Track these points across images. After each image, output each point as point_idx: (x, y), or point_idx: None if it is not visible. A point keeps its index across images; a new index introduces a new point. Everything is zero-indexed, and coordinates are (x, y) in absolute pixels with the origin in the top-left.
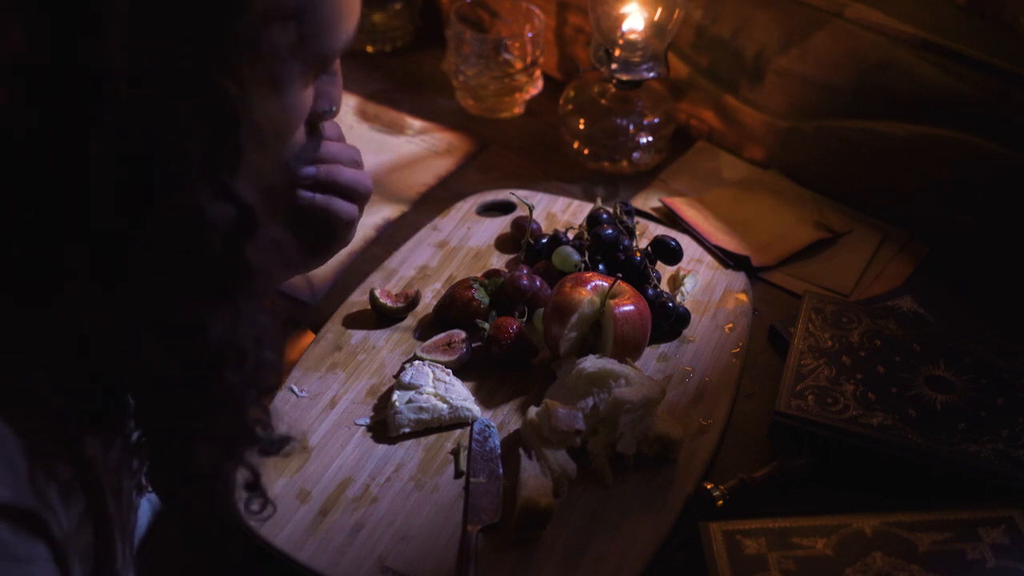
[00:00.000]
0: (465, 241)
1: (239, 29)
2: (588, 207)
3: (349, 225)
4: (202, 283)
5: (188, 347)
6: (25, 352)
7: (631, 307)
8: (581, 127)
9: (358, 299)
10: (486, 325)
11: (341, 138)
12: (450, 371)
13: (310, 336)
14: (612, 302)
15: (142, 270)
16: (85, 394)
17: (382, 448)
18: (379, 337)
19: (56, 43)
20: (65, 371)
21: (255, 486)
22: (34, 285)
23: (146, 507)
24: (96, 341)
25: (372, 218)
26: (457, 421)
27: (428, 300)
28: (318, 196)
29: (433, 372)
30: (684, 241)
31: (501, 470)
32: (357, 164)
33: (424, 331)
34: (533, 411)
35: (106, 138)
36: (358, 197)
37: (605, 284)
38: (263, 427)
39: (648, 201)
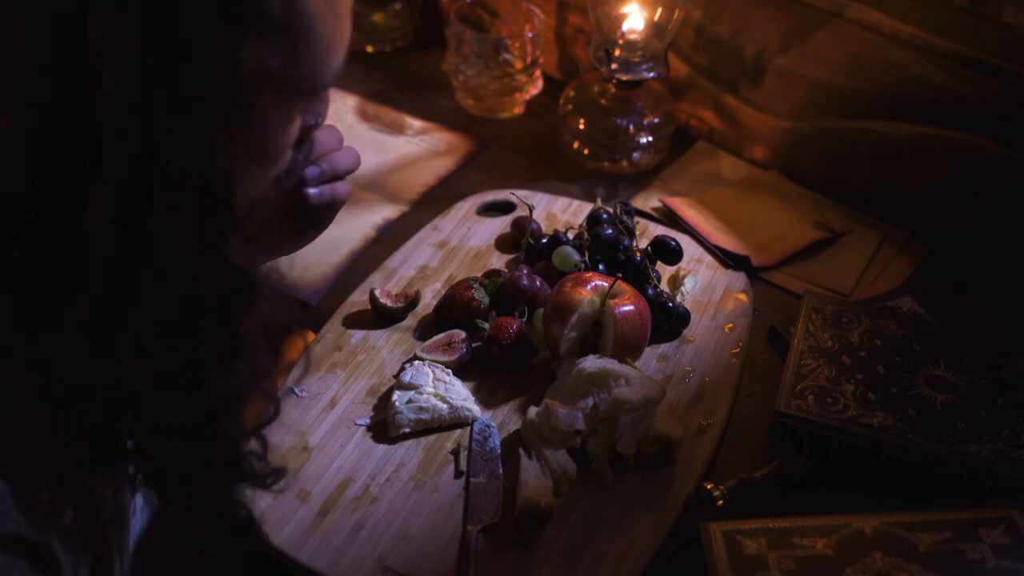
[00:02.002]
0: (465, 241)
1: (232, 99)
2: (588, 207)
3: (343, 203)
4: (200, 349)
5: (186, 408)
6: (30, 396)
7: (631, 307)
8: (581, 127)
9: (358, 299)
10: (486, 325)
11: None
12: (450, 371)
13: (310, 336)
14: (612, 302)
15: (138, 337)
16: (90, 435)
17: (382, 448)
18: (379, 337)
19: (52, 114)
20: (71, 416)
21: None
22: (30, 344)
23: (140, 503)
24: (96, 397)
25: (372, 218)
26: (457, 421)
27: (428, 300)
28: (324, 189)
29: (433, 372)
30: (684, 241)
31: (501, 470)
32: (341, 142)
33: (424, 331)
34: (533, 411)
35: (104, 212)
36: (351, 173)
37: (605, 284)
38: (258, 459)
39: (648, 201)
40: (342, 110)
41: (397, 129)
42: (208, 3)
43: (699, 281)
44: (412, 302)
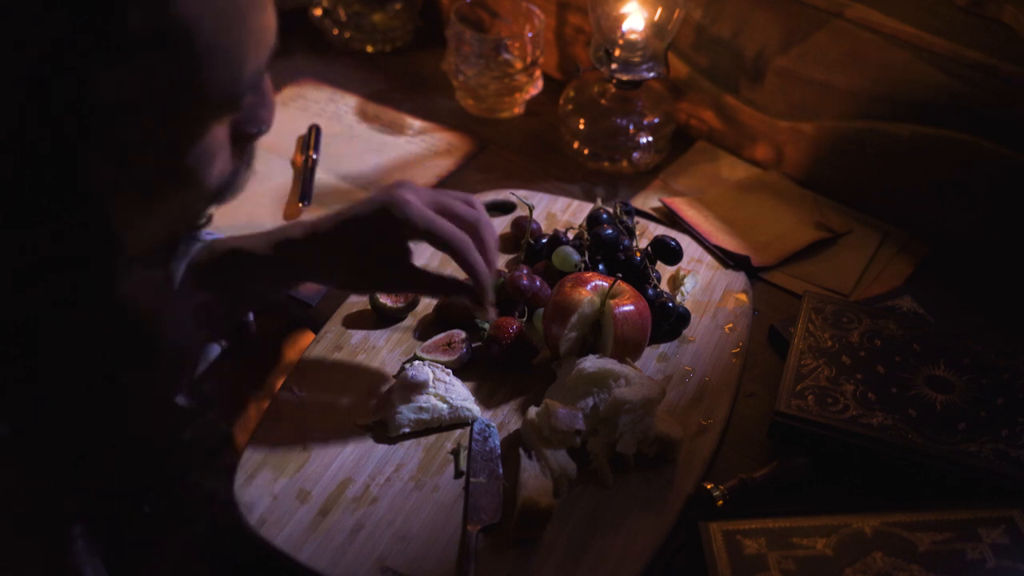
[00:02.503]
0: None
1: (106, 122)
2: (588, 207)
3: None
4: (117, 354)
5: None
6: None
7: (631, 307)
8: (581, 127)
9: (358, 299)
10: (486, 325)
11: None
12: (450, 371)
13: (310, 336)
14: (612, 302)
15: (53, 355)
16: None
17: (382, 448)
18: (379, 337)
19: None
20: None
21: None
22: None
23: None
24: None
25: None
26: (457, 421)
27: (428, 300)
28: None
29: (433, 372)
30: (684, 241)
31: (501, 470)
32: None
33: (424, 331)
34: (533, 411)
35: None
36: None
37: (605, 284)
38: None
39: (648, 201)
40: (342, 110)
41: (397, 129)
42: (58, 27)
43: (699, 281)
44: (412, 302)
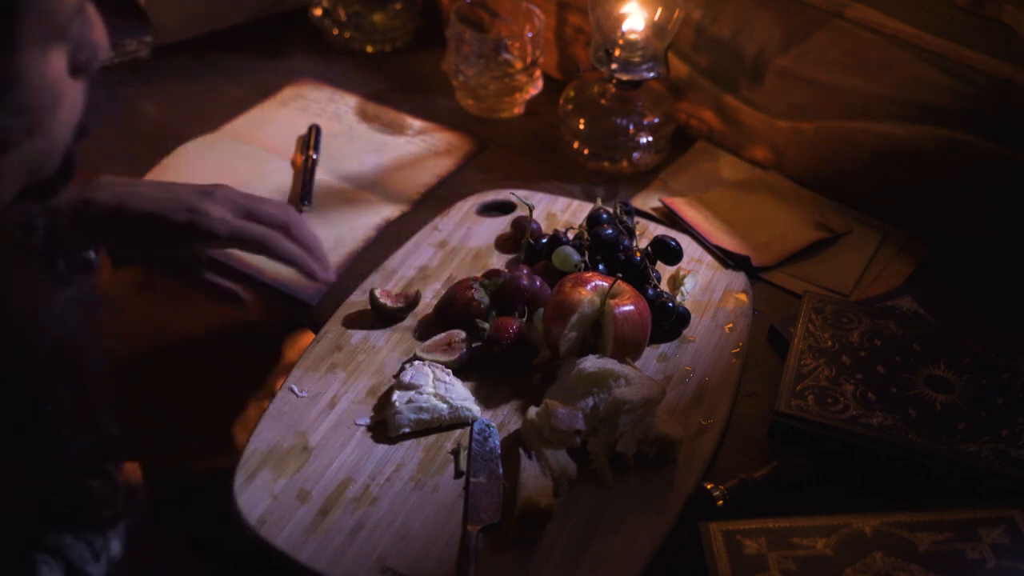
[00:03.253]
0: (465, 241)
1: None
2: (588, 207)
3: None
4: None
5: None
6: None
7: (631, 307)
8: (581, 127)
9: (358, 299)
10: (486, 325)
11: None
12: (450, 371)
13: (310, 336)
14: (612, 302)
15: None
16: None
17: (382, 448)
18: (379, 337)
19: None
20: None
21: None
22: None
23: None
24: None
25: (372, 218)
26: (457, 421)
27: (428, 300)
28: None
29: (433, 372)
30: (684, 241)
31: (501, 470)
32: None
33: (424, 331)
34: (533, 411)
35: None
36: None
37: (605, 284)
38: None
39: (648, 201)
40: (342, 110)
41: (397, 129)
42: None
43: (699, 281)
44: (412, 302)
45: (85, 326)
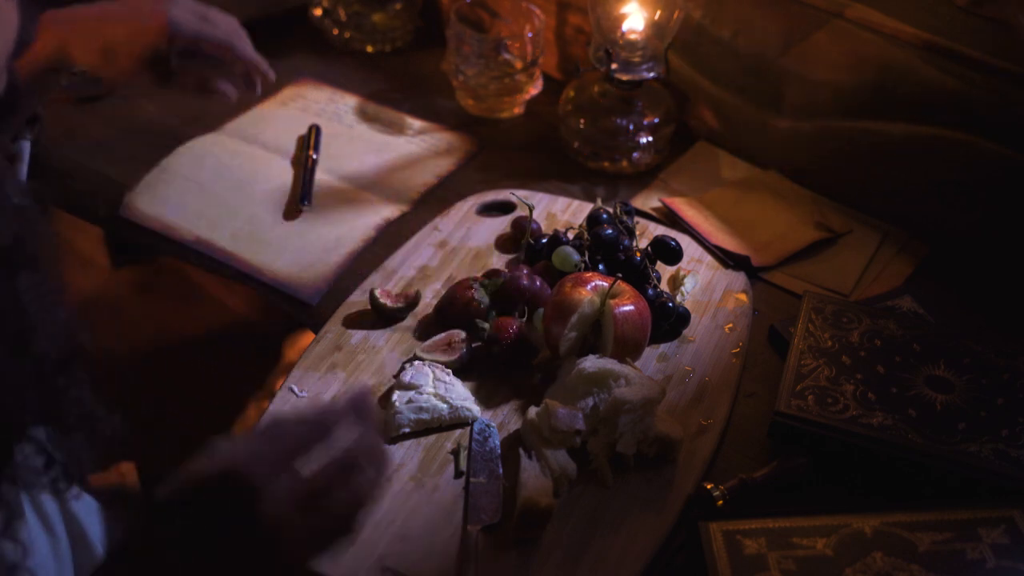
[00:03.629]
0: (465, 241)
1: None
2: (588, 207)
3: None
4: None
5: None
6: None
7: (631, 307)
8: (581, 127)
9: (358, 299)
10: (486, 325)
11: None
12: (450, 371)
13: (310, 336)
14: (612, 302)
15: None
16: None
17: None
18: (379, 337)
19: None
20: None
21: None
22: None
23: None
24: None
25: (372, 218)
26: (457, 421)
27: (428, 300)
28: None
29: (433, 372)
30: (684, 241)
31: (501, 470)
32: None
33: (424, 331)
34: (533, 411)
35: None
36: None
37: (605, 284)
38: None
39: (648, 201)
40: (342, 110)
41: (397, 129)
42: None
43: (699, 281)
44: (412, 302)
45: (42, 223)
